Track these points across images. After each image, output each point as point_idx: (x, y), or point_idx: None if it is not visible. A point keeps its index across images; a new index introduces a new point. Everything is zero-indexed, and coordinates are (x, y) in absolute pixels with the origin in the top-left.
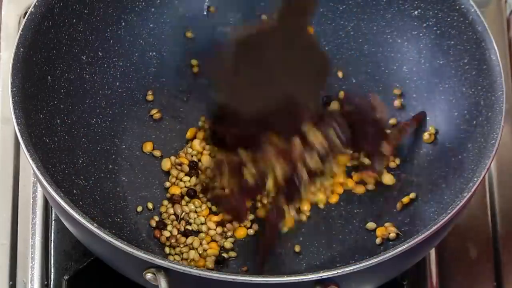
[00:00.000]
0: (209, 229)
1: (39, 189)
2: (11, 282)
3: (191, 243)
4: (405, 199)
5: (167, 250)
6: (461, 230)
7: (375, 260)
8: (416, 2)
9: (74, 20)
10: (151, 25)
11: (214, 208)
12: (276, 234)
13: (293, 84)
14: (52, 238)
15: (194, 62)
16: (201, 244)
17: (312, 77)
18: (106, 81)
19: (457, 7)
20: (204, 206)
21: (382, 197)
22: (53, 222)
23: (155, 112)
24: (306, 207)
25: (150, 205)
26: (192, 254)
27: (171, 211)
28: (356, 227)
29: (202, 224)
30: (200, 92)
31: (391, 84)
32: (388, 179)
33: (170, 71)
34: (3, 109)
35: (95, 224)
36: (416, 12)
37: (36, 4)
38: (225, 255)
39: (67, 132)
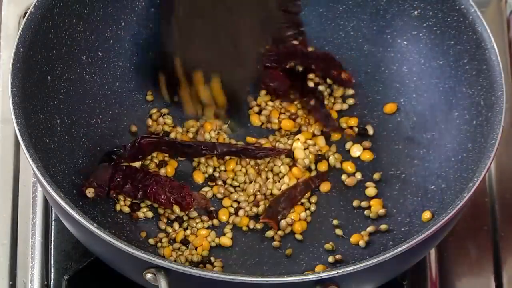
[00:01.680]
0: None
1: (39, 189)
2: (11, 282)
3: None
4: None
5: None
6: (461, 230)
7: (375, 260)
8: (416, 2)
9: (74, 20)
10: (151, 25)
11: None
12: None
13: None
14: (52, 238)
15: None
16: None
17: (257, 33)
18: (106, 81)
19: (457, 7)
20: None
21: (382, 197)
22: (53, 222)
23: (154, 112)
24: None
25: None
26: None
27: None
28: (356, 226)
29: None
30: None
31: (391, 84)
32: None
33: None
34: (3, 109)
35: (95, 224)
36: (416, 12)
37: (36, 4)
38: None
39: (67, 132)
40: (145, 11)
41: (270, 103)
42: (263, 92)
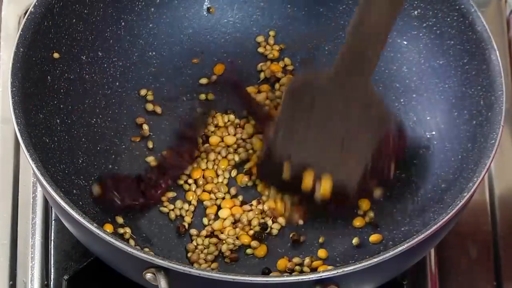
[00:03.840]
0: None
1: (39, 189)
2: (11, 282)
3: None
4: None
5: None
6: (461, 230)
7: (375, 260)
8: (416, 2)
9: (74, 20)
10: (151, 25)
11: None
12: None
13: (343, 141)
14: (52, 238)
15: (194, 62)
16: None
17: (365, 137)
18: (106, 81)
19: (457, 7)
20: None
21: (382, 197)
22: (53, 222)
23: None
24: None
25: None
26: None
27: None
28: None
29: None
30: (199, 92)
31: (391, 84)
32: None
33: (170, 71)
34: (3, 109)
35: (95, 224)
36: (416, 12)
37: (36, 4)
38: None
39: (67, 132)
40: (145, 11)
41: (268, 102)
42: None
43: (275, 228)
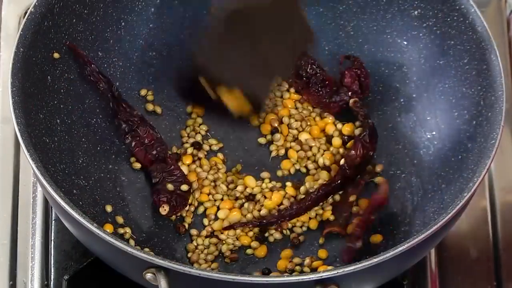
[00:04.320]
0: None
1: (39, 189)
2: (11, 282)
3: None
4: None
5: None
6: (461, 230)
7: (375, 260)
8: (416, 2)
9: (74, 20)
10: (151, 25)
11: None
12: None
13: (271, 51)
14: (52, 238)
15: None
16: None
17: (290, 47)
18: None
19: (457, 7)
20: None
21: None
22: (53, 222)
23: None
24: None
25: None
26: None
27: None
28: None
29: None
30: (200, 92)
31: (391, 84)
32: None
33: (170, 71)
34: (3, 109)
35: (95, 224)
36: (416, 12)
37: (36, 4)
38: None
39: (67, 132)
40: (145, 11)
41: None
42: None
43: (274, 235)
